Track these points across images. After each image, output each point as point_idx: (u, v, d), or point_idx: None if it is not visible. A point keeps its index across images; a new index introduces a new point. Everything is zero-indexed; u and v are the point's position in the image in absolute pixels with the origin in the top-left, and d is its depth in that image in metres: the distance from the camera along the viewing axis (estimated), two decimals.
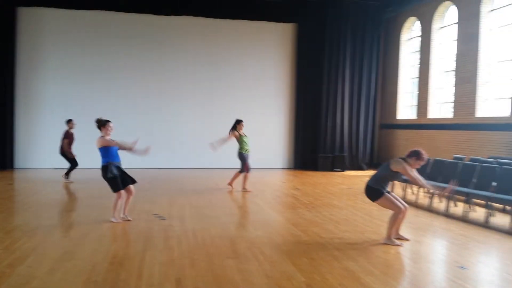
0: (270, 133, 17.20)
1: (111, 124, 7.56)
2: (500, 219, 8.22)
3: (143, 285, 4.64)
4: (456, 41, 14.04)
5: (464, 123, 13.40)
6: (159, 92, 16.40)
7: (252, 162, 11.45)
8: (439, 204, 9.70)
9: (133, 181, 7.68)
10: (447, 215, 8.71)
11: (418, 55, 16.34)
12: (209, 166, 16.30)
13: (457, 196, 9.39)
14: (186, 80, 16.60)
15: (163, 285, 4.65)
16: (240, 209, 9.57)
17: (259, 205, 9.63)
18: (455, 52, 14.08)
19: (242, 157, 11.19)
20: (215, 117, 16.69)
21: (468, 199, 8.48)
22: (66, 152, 12.26)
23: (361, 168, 17.28)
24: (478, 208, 8.96)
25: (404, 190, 10.64)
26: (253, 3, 16.28)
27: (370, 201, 6.60)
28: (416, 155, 6.39)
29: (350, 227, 7.49)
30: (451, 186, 6.54)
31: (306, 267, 5.29)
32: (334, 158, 16.72)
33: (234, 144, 11.38)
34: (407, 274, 5.30)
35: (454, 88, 14.09)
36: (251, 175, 11.46)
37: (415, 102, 16.50)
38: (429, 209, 9.25)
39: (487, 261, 6.03)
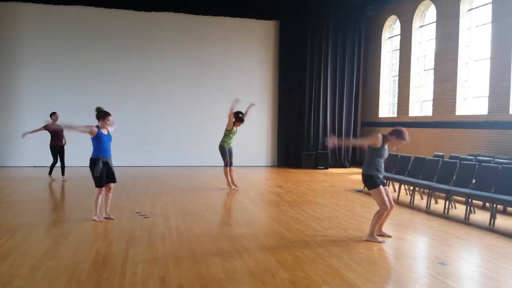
0: (254, 130, 17.18)
1: (111, 118, 7.48)
2: (480, 216, 8.37)
3: (127, 283, 4.62)
4: (435, 39, 14.23)
5: (444, 121, 13.60)
6: (141, 89, 16.27)
7: (235, 159, 11.42)
8: (420, 201, 9.84)
9: (114, 181, 7.65)
10: (428, 212, 8.84)
11: (398, 54, 16.52)
12: (192, 164, 16.26)
13: (438, 193, 9.53)
14: (169, 77, 16.51)
15: (146, 283, 4.63)
16: (223, 207, 9.57)
17: (242, 202, 9.64)
18: (435, 51, 14.26)
19: (223, 150, 11.14)
20: (198, 114, 16.68)
21: (448, 196, 8.60)
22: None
23: (343, 166, 17.41)
24: (458, 205, 9.11)
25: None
26: (235, 0, 16.24)
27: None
28: (396, 133, 6.45)
29: (333, 224, 7.54)
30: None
31: (290, 264, 5.32)
32: (317, 156, 16.81)
33: (217, 143, 11.32)
34: (390, 270, 5.37)
35: (433, 86, 14.28)
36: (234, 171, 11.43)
37: (395, 100, 16.68)
38: (411, 206, 9.38)
39: (467, 257, 6.13)
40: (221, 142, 11.21)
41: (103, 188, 7.45)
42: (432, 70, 14.49)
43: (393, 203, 6.63)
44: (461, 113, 13.15)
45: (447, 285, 4.78)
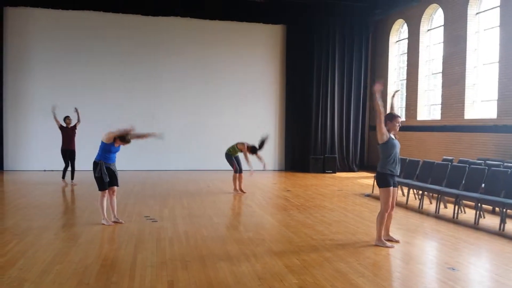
0: (261, 134, 17.17)
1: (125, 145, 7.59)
2: (489, 221, 8.31)
3: (135, 287, 4.63)
4: (443, 43, 14.18)
5: (452, 125, 13.53)
6: (148, 94, 16.36)
7: (243, 163, 11.42)
8: (429, 206, 9.80)
9: (117, 184, 7.70)
10: (437, 216, 8.79)
11: (406, 57, 16.48)
12: (200, 168, 16.29)
13: (447, 198, 9.48)
14: (176, 81, 16.58)
15: (155, 287, 4.65)
16: (231, 211, 9.57)
17: (250, 206, 9.64)
18: (443, 54, 14.21)
19: (229, 158, 11.23)
20: (206, 118, 16.72)
21: (457, 201, 8.55)
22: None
23: (352, 170, 17.36)
24: (467, 210, 9.05)
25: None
26: (242, 4, 16.29)
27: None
28: (388, 118, 6.47)
29: (341, 228, 7.52)
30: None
31: (298, 269, 5.31)
32: (325, 160, 16.78)
33: (225, 147, 11.37)
34: (398, 275, 5.34)
35: (442, 90, 14.22)
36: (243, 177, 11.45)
37: (403, 104, 16.63)
38: (419, 211, 9.33)
39: (477, 262, 6.09)
40: (227, 150, 11.30)
41: (106, 191, 7.52)
42: (440, 74, 14.43)
43: (394, 203, 6.62)
44: (470, 117, 13.08)
45: None
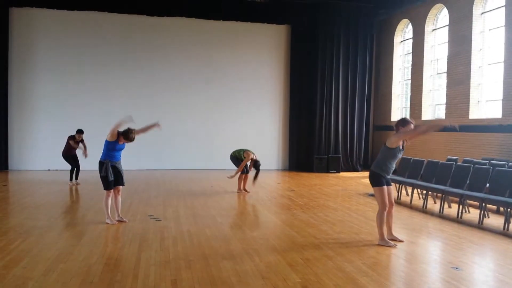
0: (265, 134, 17.24)
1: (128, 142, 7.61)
2: (494, 220, 8.28)
3: (139, 286, 4.65)
4: (448, 43, 14.14)
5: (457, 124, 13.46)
6: (152, 93, 16.38)
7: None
8: (434, 205, 9.77)
9: (122, 184, 7.72)
10: (441, 216, 8.76)
11: (410, 57, 16.44)
12: (204, 167, 16.31)
13: (451, 198, 9.45)
14: (180, 81, 16.60)
15: (159, 286, 4.65)
16: (235, 210, 9.57)
17: (254, 206, 9.65)
18: (447, 54, 14.17)
19: (235, 160, 11.25)
20: (210, 117, 16.75)
21: (462, 200, 8.53)
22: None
23: (355, 170, 17.34)
24: (472, 209, 9.03)
25: (399, 191, 10.68)
26: (246, 4, 16.30)
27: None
28: (401, 123, 6.41)
29: (345, 228, 7.52)
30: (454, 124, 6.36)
31: (301, 268, 5.31)
32: (329, 160, 16.77)
33: (229, 147, 11.39)
34: (402, 275, 5.33)
35: (446, 90, 14.18)
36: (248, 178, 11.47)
37: (408, 104, 16.59)
38: (424, 211, 9.31)
39: (481, 262, 6.07)
40: (232, 153, 11.34)
41: (111, 190, 7.53)
42: (445, 74, 14.39)
43: (393, 201, 6.65)
44: (475, 117, 13.04)
45: None
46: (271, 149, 17.47)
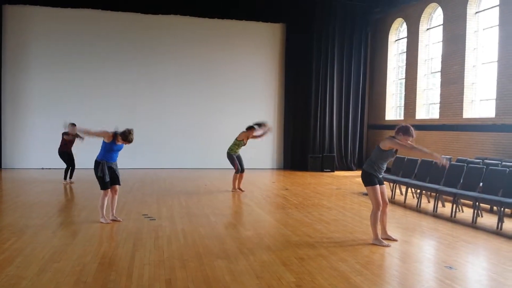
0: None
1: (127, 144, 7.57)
2: (487, 219, 8.32)
3: (133, 285, 4.63)
4: (442, 42, 14.18)
5: (451, 124, 13.54)
6: (147, 91, 16.34)
7: (244, 162, 11.41)
8: (427, 204, 9.81)
9: (119, 183, 7.70)
10: (435, 215, 8.80)
11: (405, 56, 16.48)
12: (198, 167, 16.29)
13: (445, 197, 9.49)
14: (174, 79, 16.56)
15: (153, 285, 4.64)
16: (229, 209, 9.56)
17: (248, 205, 9.64)
18: (442, 53, 14.22)
19: (231, 157, 11.21)
20: (204, 117, 16.71)
21: (455, 200, 8.56)
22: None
23: (350, 169, 17.38)
24: (465, 209, 9.06)
25: (393, 190, 10.71)
26: (241, 2, 16.27)
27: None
28: (402, 130, 6.33)
29: (339, 227, 7.53)
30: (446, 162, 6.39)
31: (296, 267, 5.31)
32: (323, 159, 16.78)
33: (223, 145, 11.37)
34: (396, 274, 5.34)
35: (440, 89, 14.23)
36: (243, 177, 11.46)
37: (402, 103, 16.64)
38: (418, 210, 9.34)
39: (474, 261, 6.10)
40: (228, 149, 11.28)
41: (108, 190, 7.51)
42: (439, 73, 14.44)
43: (387, 200, 6.65)
44: (468, 116, 13.10)
45: None
46: (266, 148, 17.45)
